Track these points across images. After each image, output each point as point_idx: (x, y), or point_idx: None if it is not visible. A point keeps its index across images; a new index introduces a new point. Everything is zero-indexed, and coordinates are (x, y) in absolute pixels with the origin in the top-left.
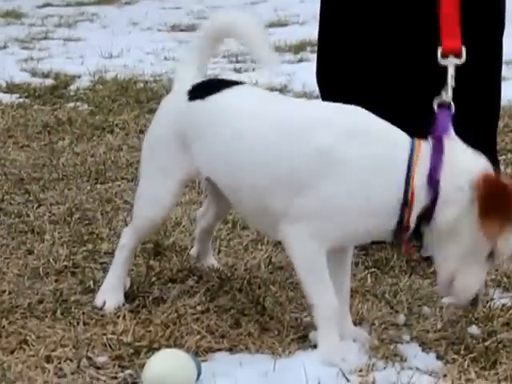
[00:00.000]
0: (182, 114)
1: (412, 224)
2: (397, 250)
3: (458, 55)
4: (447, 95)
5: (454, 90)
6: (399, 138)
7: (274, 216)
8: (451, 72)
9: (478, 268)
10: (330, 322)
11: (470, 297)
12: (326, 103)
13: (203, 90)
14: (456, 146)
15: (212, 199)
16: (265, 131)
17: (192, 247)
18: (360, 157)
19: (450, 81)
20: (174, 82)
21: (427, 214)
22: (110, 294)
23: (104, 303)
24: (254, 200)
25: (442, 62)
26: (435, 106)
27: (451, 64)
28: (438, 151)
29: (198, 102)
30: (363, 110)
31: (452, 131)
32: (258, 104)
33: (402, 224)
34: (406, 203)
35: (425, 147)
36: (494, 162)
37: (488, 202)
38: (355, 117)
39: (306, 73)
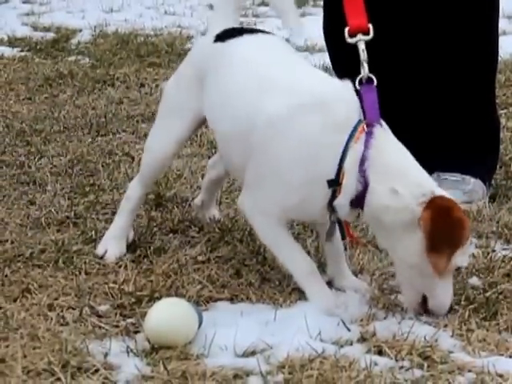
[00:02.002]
0: (205, 54)
1: (343, 205)
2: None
3: (365, 33)
4: (364, 71)
5: (452, 44)
6: (346, 117)
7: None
8: (362, 47)
9: (441, 282)
10: (310, 280)
11: (446, 311)
12: (327, 79)
13: (230, 34)
14: (387, 139)
15: None
16: (245, 85)
17: (193, 199)
18: (303, 131)
19: (363, 56)
20: (208, 26)
21: (359, 201)
22: (111, 244)
23: (105, 252)
24: (222, 149)
25: (350, 40)
26: (357, 84)
27: (361, 41)
28: (366, 145)
29: (219, 44)
30: (349, 93)
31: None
32: (259, 57)
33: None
34: (338, 183)
35: (364, 134)
36: (494, 114)
37: (437, 237)
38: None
39: (309, 27)
